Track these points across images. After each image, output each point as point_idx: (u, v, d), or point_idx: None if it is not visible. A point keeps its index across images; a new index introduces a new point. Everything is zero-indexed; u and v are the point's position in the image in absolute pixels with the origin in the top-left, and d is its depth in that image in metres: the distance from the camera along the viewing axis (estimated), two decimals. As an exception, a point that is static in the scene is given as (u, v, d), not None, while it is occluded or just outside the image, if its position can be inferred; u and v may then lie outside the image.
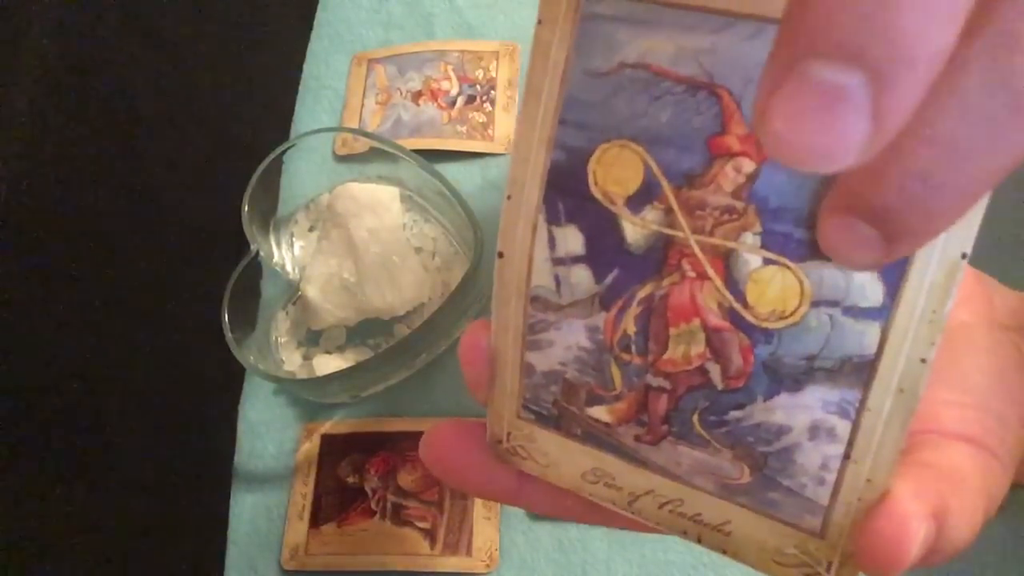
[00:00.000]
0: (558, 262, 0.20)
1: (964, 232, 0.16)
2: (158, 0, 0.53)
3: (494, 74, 0.68)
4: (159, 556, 0.50)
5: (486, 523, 0.53)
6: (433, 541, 0.52)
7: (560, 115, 0.19)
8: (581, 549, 0.52)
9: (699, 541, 0.21)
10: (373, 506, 0.54)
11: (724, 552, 0.20)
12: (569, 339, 0.21)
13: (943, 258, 0.16)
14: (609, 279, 0.20)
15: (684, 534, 0.21)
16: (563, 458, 0.22)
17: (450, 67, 0.69)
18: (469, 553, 0.52)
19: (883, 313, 0.17)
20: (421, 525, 0.53)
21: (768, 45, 0.17)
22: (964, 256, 0.16)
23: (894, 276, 0.17)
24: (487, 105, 0.67)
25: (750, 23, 0.17)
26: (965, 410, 0.21)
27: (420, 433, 0.55)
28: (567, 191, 0.20)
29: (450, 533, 0.53)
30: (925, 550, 0.18)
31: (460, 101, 0.67)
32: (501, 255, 0.21)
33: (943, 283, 0.16)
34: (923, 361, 0.17)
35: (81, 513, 0.44)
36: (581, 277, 0.20)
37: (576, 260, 0.20)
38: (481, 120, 0.66)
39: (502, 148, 0.65)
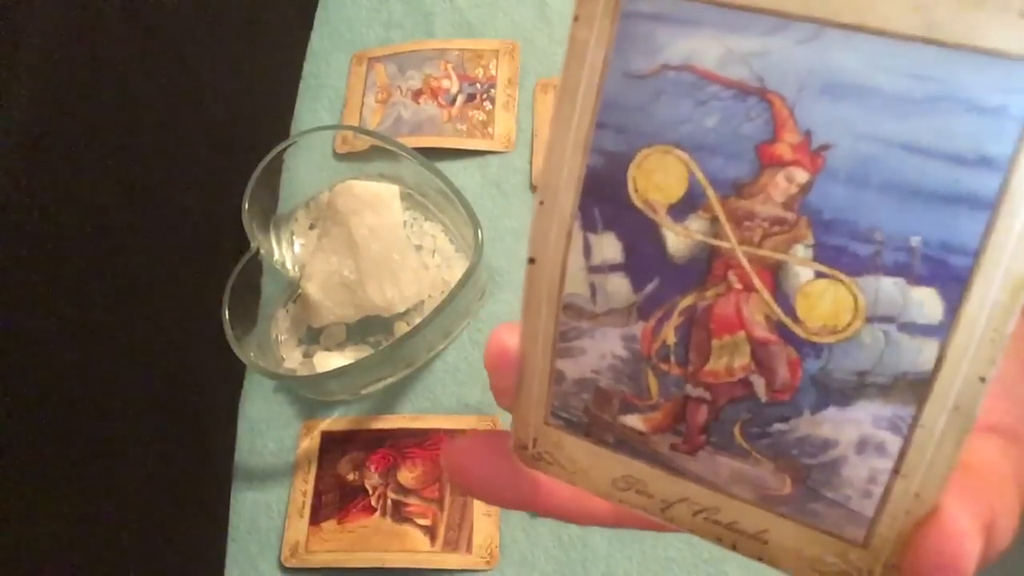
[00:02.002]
0: (594, 270, 0.19)
1: None
2: (158, 0, 0.53)
3: (494, 72, 0.68)
4: (160, 554, 0.50)
5: (486, 520, 0.53)
6: (433, 538, 0.53)
7: (597, 119, 0.19)
8: (581, 546, 0.52)
9: (734, 548, 0.20)
10: (373, 503, 0.54)
11: (760, 559, 0.20)
12: (603, 347, 0.20)
13: (1007, 277, 0.16)
14: (648, 288, 0.19)
15: (719, 541, 0.20)
16: (592, 465, 0.21)
17: (450, 65, 0.69)
18: (469, 550, 0.52)
19: (942, 331, 0.16)
20: (421, 522, 0.53)
21: (824, 50, 0.16)
22: None
23: (955, 293, 0.16)
24: (487, 103, 0.67)
25: (806, 25, 0.16)
26: (994, 400, 0.21)
27: (420, 430, 0.56)
28: (604, 198, 0.19)
29: (450, 530, 0.53)
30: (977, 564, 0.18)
31: (460, 99, 0.67)
32: (532, 261, 0.20)
33: (1006, 302, 0.16)
34: (982, 380, 0.16)
35: (82, 511, 0.44)
36: (618, 286, 0.19)
37: (613, 268, 0.19)
38: (481, 118, 0.66)
39: (502, 146, 0.65)
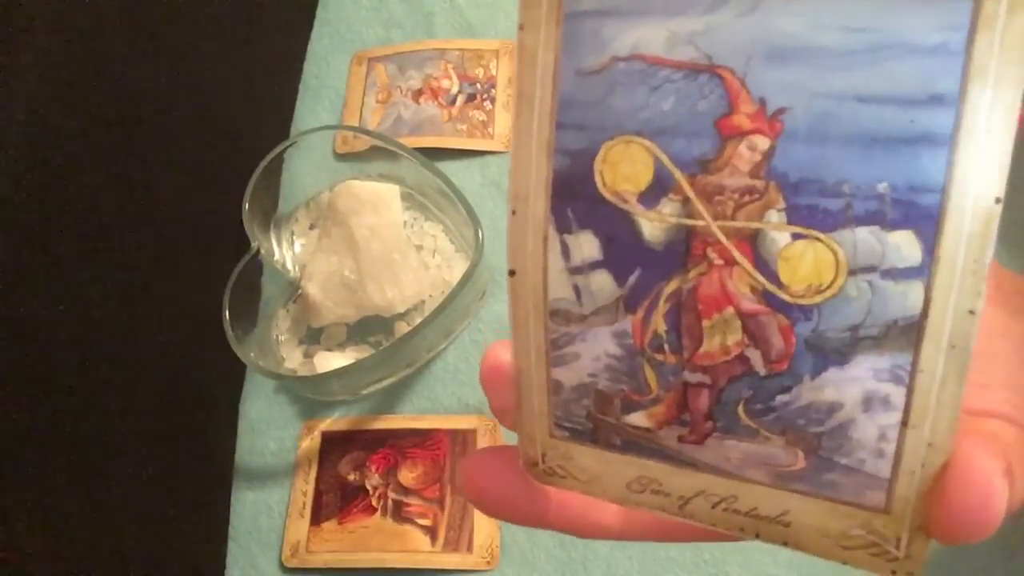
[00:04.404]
0: (575, 271, 0.19)
1: (995, 178, 0.16)
2: (158, 0, 0.53)
3: (494, 72, 0.68)
4: (161, 554, 0.50)
5: (487, 520, 0.53)
6: (434, 538, 0.53)
7: (556, 119, 0.19)
8: (582, 546, 0.52)
9: (757, 536, 0.20)
10: (374, 503, 0.54)
11: (785, 544, 0.20)
12: (596, 349, 0.20)
13: (977, 206, 0.16)
14: (632, 280, 0.19)
15: (741, 531, 0.20)
16: (604, 471, 0.21)
17: (450, 65, 0.69)
18: (470, 550, 0.52)
19: (923, 271, 0.17)
20: (422, 522, 0.53)
21: (765, 18, 0.17)
22: (998, 201, 0.16)
23: (930, 231, 0.16)
24: (487, 103, 0.67)
25: None
26: (990, 390, 0.21)
27: (421, 430, 0.56)
28: (575, 196, 0.19)
29: (451, 530, 0.53)
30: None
31: (460, 99, 0.67)
32: (513, 273, 0.20)
33: (981, 231, 0.16)
34: (971, 312, 0.17)
35: (82, 511, 0.44)
36: (602, 282, 0.19)
37: (594, 266, 0.19)
38: (481, 118, 0.66)
39: (502, 146, 0.65)
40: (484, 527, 0.53)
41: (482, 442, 0.55)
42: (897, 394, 0.18)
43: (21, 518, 0.40)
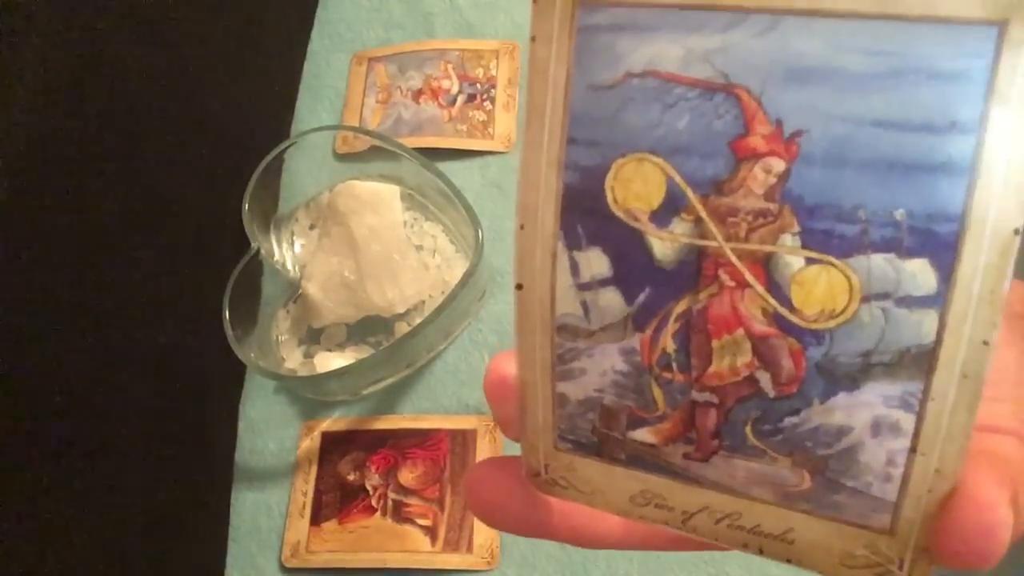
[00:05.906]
0: (584, 287, 0.19)
1: (1014, 208, 0.16)
2: (159, 0, 0.53)
3: (494, 73, 0.68)
4: (161, 554, 0.50)
5: (487, 520, 0.53)
6: (434, 538, 0.53)
7: (568, 134, 0.19)
8: (582, 546, 0.52)
9: (760, 553, 0.20)
10: (374, 503, 0.54)
11: (789, 561, 0.20)
12: (603, 364, 0.20)
13: (995, 236, 0.16)
14: (641, 298, 0.19)
15: (744, 547, 0.20)
16: (608, 484, 0.21)
17: (450, 66, 0.69)
18: (470, 550, 0.52)
19: (939, 300, 0.17)
20: (422, 522, 0.53)
21: (784, 38, 0.16)
22: (1017, 232, 0.16)
23: (947, 260, 0.16)
24: (487, 104, 0.67)
25: (763, 17, 0.16)
26: (996, 404, 0.21)
27: (421, 431, 0.56)
28: (585, 213, 0.19)
29: (451, 530, 0.53)
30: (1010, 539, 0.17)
31: (460, 100, 0.67)
32: (520, 287, 0.20)
33: (998, 262, 0.16)
34: (986, 343, 0.16)
35: (82, 511, 0.44)
36: (610, 300, 0.19)
37: (603, 283, 0.19)
38: (481, 119, 0.66)
39: (502, 146, 0.65)
40: (484, 527, 0.53)
41: (482, 442, 0.55)
42: (907, 420, 0.17)
43: (21, 518, 0.40)
